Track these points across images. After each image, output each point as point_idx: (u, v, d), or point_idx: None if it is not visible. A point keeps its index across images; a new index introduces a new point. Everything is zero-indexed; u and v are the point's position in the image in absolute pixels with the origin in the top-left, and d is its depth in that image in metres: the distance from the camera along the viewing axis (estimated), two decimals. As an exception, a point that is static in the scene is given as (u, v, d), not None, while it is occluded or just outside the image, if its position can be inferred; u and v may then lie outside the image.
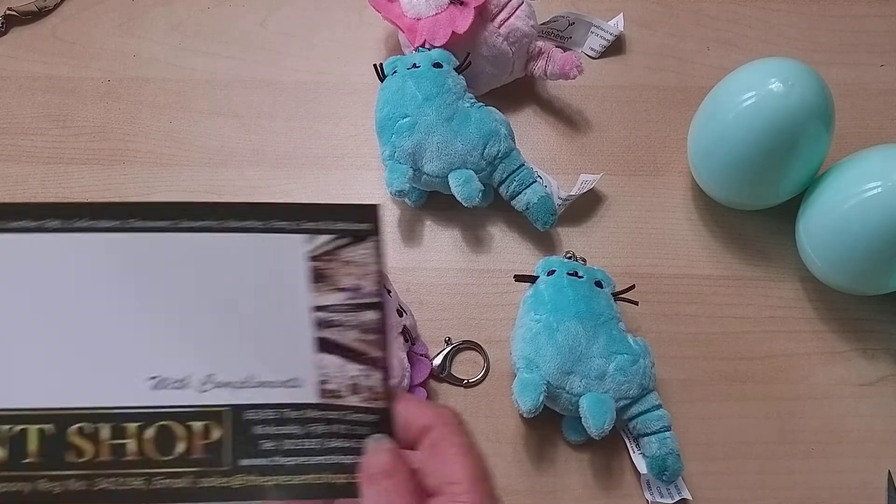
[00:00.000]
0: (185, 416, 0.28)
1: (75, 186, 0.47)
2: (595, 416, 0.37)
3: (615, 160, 0.48)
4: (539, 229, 0.44)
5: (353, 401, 0.28)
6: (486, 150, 0.42)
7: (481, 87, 0.47)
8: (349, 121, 0.49)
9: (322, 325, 0.29)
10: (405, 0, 0.46)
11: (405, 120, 0.42)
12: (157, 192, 0.47)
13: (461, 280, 0.45)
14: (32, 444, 0.28)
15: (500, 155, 0.43)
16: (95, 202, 0.29)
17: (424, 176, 0.43)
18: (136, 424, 0.28)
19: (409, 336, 0.41)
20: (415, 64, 0.44)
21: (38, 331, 0.28)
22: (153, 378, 0.28)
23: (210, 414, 0.28)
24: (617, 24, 0.51)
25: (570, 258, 0.42)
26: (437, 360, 0.42)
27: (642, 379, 0.38)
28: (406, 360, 0.40)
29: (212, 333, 0.29)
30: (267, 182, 0.48)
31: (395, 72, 0.44)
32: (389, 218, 0.46)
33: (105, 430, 0.28)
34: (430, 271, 0.45)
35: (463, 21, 0.44)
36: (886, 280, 0.40)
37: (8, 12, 0.51)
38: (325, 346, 0.29)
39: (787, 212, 0.43)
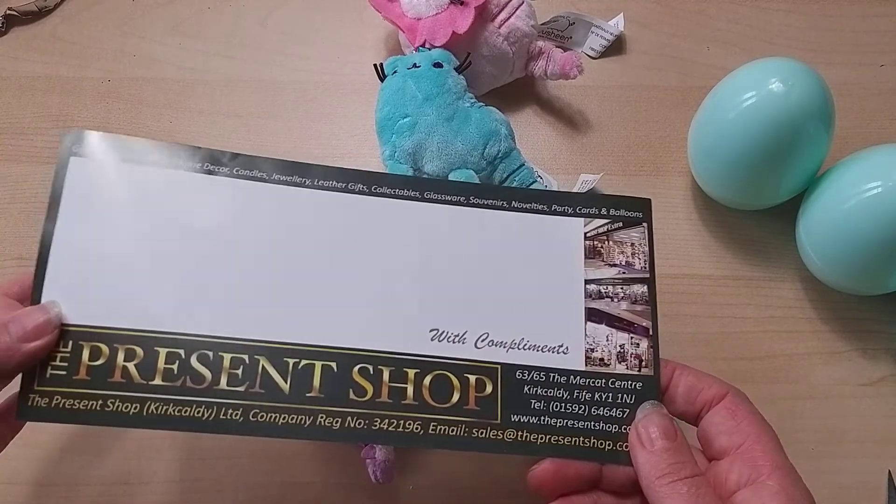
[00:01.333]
0: (461, 368, 0.30)
1: (75, 186, 0.47)
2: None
3: (615, 160, 0.48)
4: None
5: (620, 368, 0.30)
6: (487, 149, 0.42)
7: (481, 87, 0.47)
8: (349, 121, 0.49)
9: (593, 296, 0.31)
10: (405, 0, 0.46)
11: (405, 120, 0.42)
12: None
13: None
14: (316, 379, 0.29)
15: (500, 155, 0.43)
16: (392, 174, 0.32)
17: (425, 176, 0.43)
18: (415, 371, 0.29)
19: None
20: (415, 64, 0.44)
21: (331, 278, 0.31)
22: (433, 331, 0.30)
23: (484, 369, 0.30)
24: (617, 24, 0.51)
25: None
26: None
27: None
28: None
29: (490, 297, 0.31)
30: (267, 182, 0.47)
31: (395, 72, 0.44)
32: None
33: (386, 373, 0.29)
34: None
35: (463, 21, 0.44)
36: (886, 280, 0.40)
37: (8, 12, 0.51)
38: (595, 315, 0.31)
39: (787, 212, 0.43)
